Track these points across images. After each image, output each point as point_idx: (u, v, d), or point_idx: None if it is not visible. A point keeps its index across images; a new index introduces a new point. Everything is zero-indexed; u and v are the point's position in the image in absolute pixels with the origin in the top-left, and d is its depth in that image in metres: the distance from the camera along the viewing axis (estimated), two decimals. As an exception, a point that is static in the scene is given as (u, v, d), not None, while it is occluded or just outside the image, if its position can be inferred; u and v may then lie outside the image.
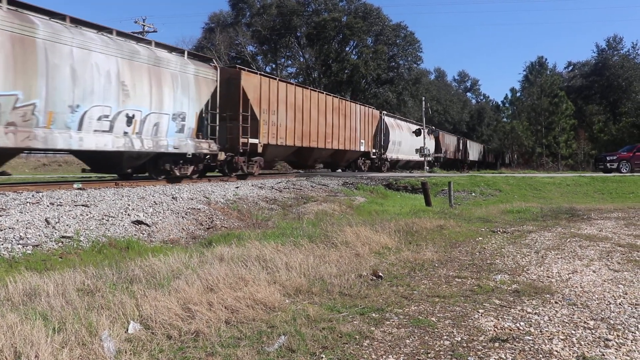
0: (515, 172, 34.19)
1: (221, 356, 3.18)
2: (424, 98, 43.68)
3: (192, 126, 14.31)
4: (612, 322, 3.94)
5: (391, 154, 31.75)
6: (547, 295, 4.66)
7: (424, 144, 36.23)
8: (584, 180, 21.14)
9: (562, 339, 3.56)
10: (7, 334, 3.13)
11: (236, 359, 3.14)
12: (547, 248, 7.11)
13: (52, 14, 10.69)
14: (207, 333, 3.52)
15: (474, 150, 61.65)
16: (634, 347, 3.44)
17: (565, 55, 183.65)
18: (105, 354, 3.09)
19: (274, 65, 54.92)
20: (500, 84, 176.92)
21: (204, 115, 15.27)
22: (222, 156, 15.89)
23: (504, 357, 3.25)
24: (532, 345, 3.45)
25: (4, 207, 8.04)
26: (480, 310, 4.20)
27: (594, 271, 5.66)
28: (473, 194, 17.92)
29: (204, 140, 14.95)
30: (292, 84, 20.52)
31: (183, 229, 8.95)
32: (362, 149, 27.25)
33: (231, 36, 50.92)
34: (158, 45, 13.64)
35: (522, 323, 3.89)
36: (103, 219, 8.29)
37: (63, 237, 7.15)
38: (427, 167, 36.57)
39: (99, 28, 11.84)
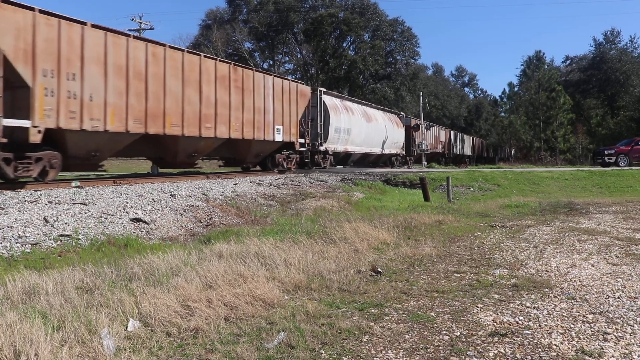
0: (513, 166, 34.25)
1: (220, 353, 3.18)
2: (421, 93, 43.70)
3: None
4: (610, 315, 3.95)
5: (335, 145, 24.23)
6: (546, 290, 4.67)
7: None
8: (582, 174, 21.17)
9: (561, 333, 3.57)
10: (6, 332, 3.12)
11: (235, 355, 3.14)
12: (545, 242, 7.12)
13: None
14: (207, 330, 3.52)
15: (466, 145, 56.78)
16: (632, 340, 3.45)
17: (562, 49, 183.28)
18: (105, 351, 3.09)
19: (271, 62, 54.85)
20: (498, 79, 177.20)
21: None
22: None
23: (503, 352, 3.25)
24: (531, 339, 3.46)
25: (2, 206, 8.02)
26: (479, 305, 4.21)
27: (592, 265, 5.67)
28: (471, 189, 17.94)
29: None
30: (122, 34, 12.37)
31: (181, 226, 8.94)
32: (280, 138, 18.73)
33: (228, 33, 50.78)
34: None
35: (521, 317, 3.90)
36: (102, 217, 8.28)
37: (62, 235, 7.14)
38: (425, 163, 36.54)
39: None
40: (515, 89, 56.73)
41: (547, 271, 5.40)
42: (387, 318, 3.90)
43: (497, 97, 70.72)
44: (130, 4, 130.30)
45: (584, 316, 3.93)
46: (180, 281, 4.42)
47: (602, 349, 3.30)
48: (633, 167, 24.55)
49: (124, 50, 12.11)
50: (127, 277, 4.77)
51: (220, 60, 15.98)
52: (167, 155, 14.79)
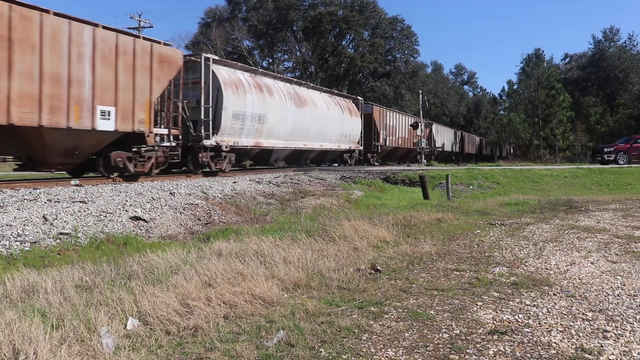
0: (512, 164, 34.23)
1: (220, 351, 3.17)
2: (420, 91, 43.56)
3: None
4: (610, 313, 3.95)
5: (234, 137, 17.00)
6: (546, 287, 4.67)
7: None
8: (581, 172, 21.17)
9: (560, 331, 3.57)
10: (5, 331, 3.12)
11: (235, 354, 3.14)
12: (545, 240, 7.12)
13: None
14: (206, 328, 3.52)
15: (447, 139, 47.86)
16: (632, 338, 3.45)
17: (562, 47, 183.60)
18: (104, 350, 3.08)
19: (270, 60, 54.79)
20: (498, 77, 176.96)
21: None
22: None
23: (503, 350, 3.25)
24: (531, 337, 3.46)
25: (1, 204, 8.01)
26: (479, 303, 4.21)
27: (592, 263, 5.67)
28: (471, 187, 17.95)
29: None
30: None
31: (181, 224, 8.94)
32: (108, 126, 11.68)
33: (227, 31, 50.71)
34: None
35: (520, 315, 3.90)
36: (101, 215, 8.27)
37: (61, 233, 7.13)
38: (425, 161, 36.49)
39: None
40: (515, 86, 56.80)
41: (546, 269, 5.40)
42: (386, 316, 3.90)
43: (497, 95, 70.78)
44: (129, 2, 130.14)
45: (583, 314, 3.93)
46: (180, 280, 4.42)
47: (602, 346, 3.30)
48: (632, 165, 24.55)
49: None
50: (127, 275, 4.76)
51: None
52: None
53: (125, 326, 3.49)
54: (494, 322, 3.77)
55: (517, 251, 6.39)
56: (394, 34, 53.31)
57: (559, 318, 3.84)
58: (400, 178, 19.60)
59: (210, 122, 15.76)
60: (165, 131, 13.84)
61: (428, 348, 3.29)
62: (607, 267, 5.48)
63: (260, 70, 20.41)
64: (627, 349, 3.26)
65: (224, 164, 16.54)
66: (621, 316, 3.88)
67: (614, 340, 3.41)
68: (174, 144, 14.15)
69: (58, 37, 10.45)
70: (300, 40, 53.36)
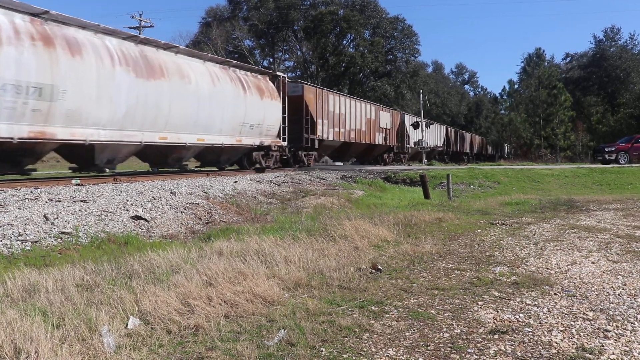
0: (513, 164, 34.22)
1: (221, 350, 3.17)
2: (421, 91, 43.49)
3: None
4: (611, 313, 3.95)
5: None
6: (546, 287, 4.66)
7: (422, 135, 33.76)
8: (582, 171, 21.15)
9: (561, 330, 3.57)
10: (6, 330, 3.12)
11: (236, 353, 3.14)
12: (546, 240, 7.11)
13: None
14: (207, 327, 3.52)
15: (435, 136, 42.09)
16: (633, 337, 3.45)
17: (563, 46, 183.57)
18: (105, 349, 3.08)
19: (271, 60, 54.76)
20: (498, 76, 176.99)
21: None
22: None
23: (504, 349, 3.25)
24: (532, 336, 3.46)
25: (2, 204, 8.01)
26: (480, 303, 4.21)
27: (593, 262, 5.67)
28: (472, 187, 17.94)
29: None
30: None
31: (182, 223, 8.94)
32: None
33: (228, 30, 50.71)
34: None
35: (521, 315, 3.89)
36: (102, 214, 8.28)
37: (62, 233, 7.14)
38: (426, 160, 36.45)
39: None
40: (516, 86, 56.74)
41: (547, 268, 5.40)
42: (387, 316, 3.90)
43: (498, 95, 70.71)
44: (130, 1, 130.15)
45: (584, 314, 3.93)
46: (181, 279, 4.42)
47: (603, 346, 3.29)
48: (633, 165, 24.52)
49: None
50: (127, 274, 4.76)
51: None
52: None
53: (126, 325, 3.49)
54: (495, 321, 3.76)
55: (518, 251, 6.38)
56: (395, 34, 53.32)
57: (559, 318, 3.84)
58: (401, 177, 19.61)
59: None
60: None
61: (429, 347, 3.29)
62: (608, 266, 5.48)
63: (57, 13, 10.70)
64: (628, 349, 3.26)
65: None
66: (622, 316, 3.88)
67: (615, 340, 3.41)
68: None
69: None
70: (301, 40, 53.34)
